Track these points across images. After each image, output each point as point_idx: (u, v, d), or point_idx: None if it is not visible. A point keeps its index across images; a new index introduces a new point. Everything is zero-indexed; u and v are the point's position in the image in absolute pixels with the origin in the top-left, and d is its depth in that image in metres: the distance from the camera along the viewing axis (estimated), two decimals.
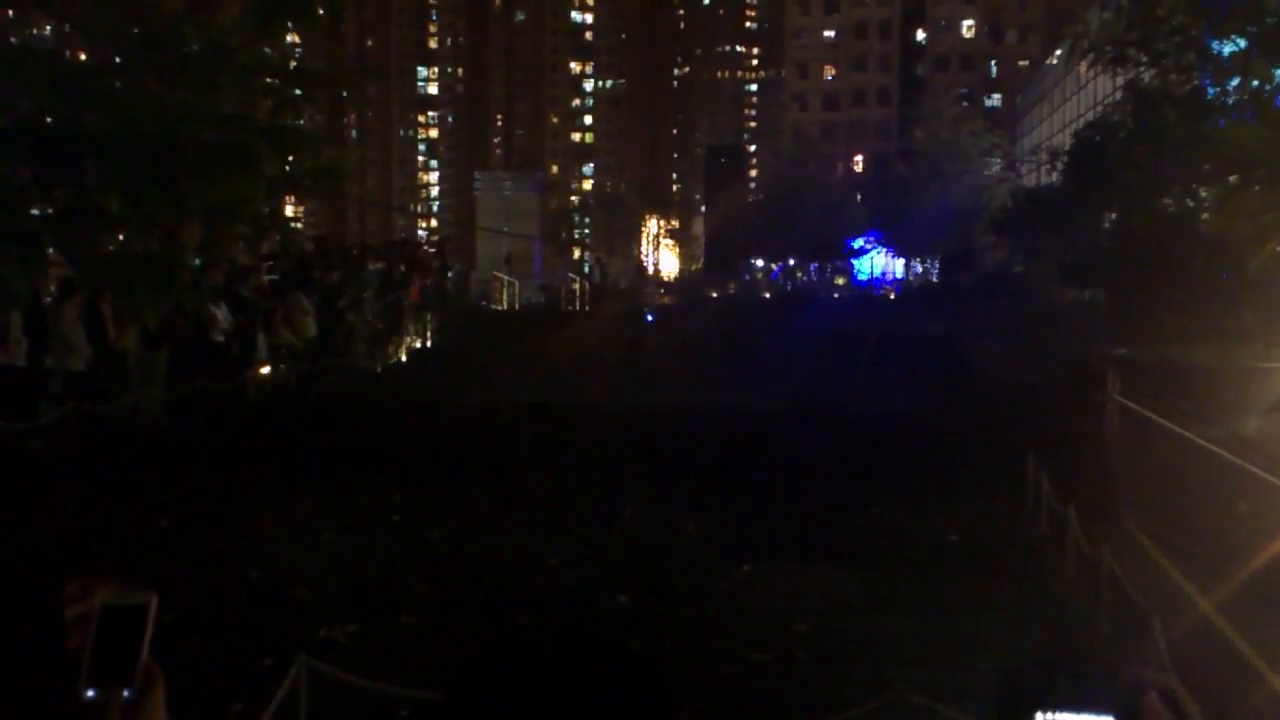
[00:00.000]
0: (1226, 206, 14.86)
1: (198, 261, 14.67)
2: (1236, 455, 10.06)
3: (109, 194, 4.74)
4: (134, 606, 1.47)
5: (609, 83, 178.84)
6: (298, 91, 6.74)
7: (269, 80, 6.43)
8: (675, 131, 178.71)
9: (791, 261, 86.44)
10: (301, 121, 7.24)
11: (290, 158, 5.59)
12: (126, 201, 4.75)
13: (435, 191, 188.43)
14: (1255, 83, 15.72)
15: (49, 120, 5.07)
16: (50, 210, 4.98)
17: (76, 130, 4.80)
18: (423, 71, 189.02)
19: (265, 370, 18.03)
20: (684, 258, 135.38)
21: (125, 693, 1.43)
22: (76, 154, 4.61)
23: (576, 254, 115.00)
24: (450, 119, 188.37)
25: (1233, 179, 14.46)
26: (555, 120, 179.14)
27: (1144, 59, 17.94)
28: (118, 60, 5.71)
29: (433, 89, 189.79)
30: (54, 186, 4.92)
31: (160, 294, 4.39)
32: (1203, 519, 10.80)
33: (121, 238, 5.35)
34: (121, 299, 4.79)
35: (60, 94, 4.78)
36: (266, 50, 6.48)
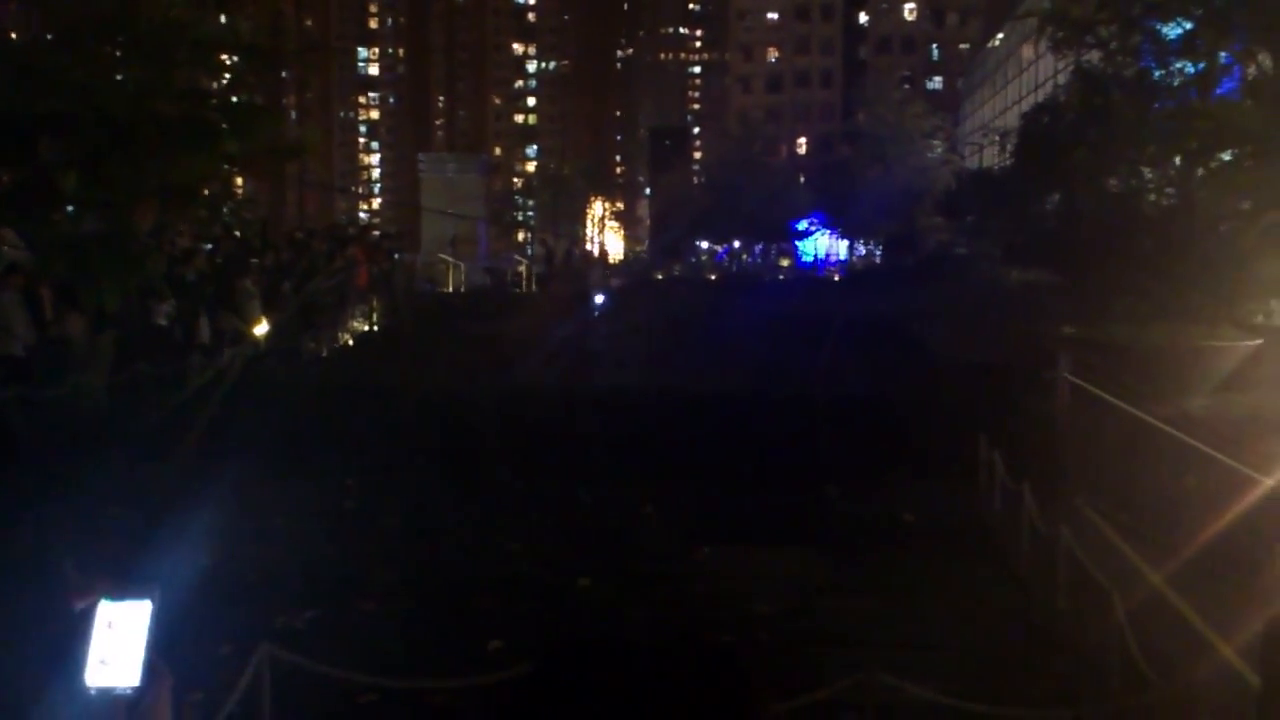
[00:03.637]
0: (1218, 183, 15.07)
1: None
2: (1185, 433, 10.19)
3: (65, 172, 4.60)
4: (134, 603, 1.43)
5: (552, 64, 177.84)
6: (248, 68, 6.61)
7: (224, 57, 6.29)
8: (619, 113, 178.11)
9: (736, 244, 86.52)
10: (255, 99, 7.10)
11: (248, 136, 5.46)
12: (84, 180, 4.61)
13: (376, 174, 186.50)
14: (1202, 65, 15.96)
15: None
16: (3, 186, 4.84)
17: (29, 107, 4.65)
18: (363, 52, 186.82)
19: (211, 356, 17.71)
20: (629, 240, 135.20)
21: (130, 688, 1.39)
22: (29, 131, 4.46)
23: (521, 236, 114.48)
24: (391, 100, 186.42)
25: (1199, 166, 14.71)
26: (498, 102, 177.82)
27: (1090, 40, 18.17)
28: (71, 35, 5.55)
29: (373, 70, 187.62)
30: (4, 165, 4.77)
31: (122, 275, 4.28)
32: (1152, 495, 10.96)
33: (75, 218, 5.20)
34: (81, 280, 4.65)
35: (12, 70, 4.63)
36: (222, 29, 6.34)
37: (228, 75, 6.76)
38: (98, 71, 4.80)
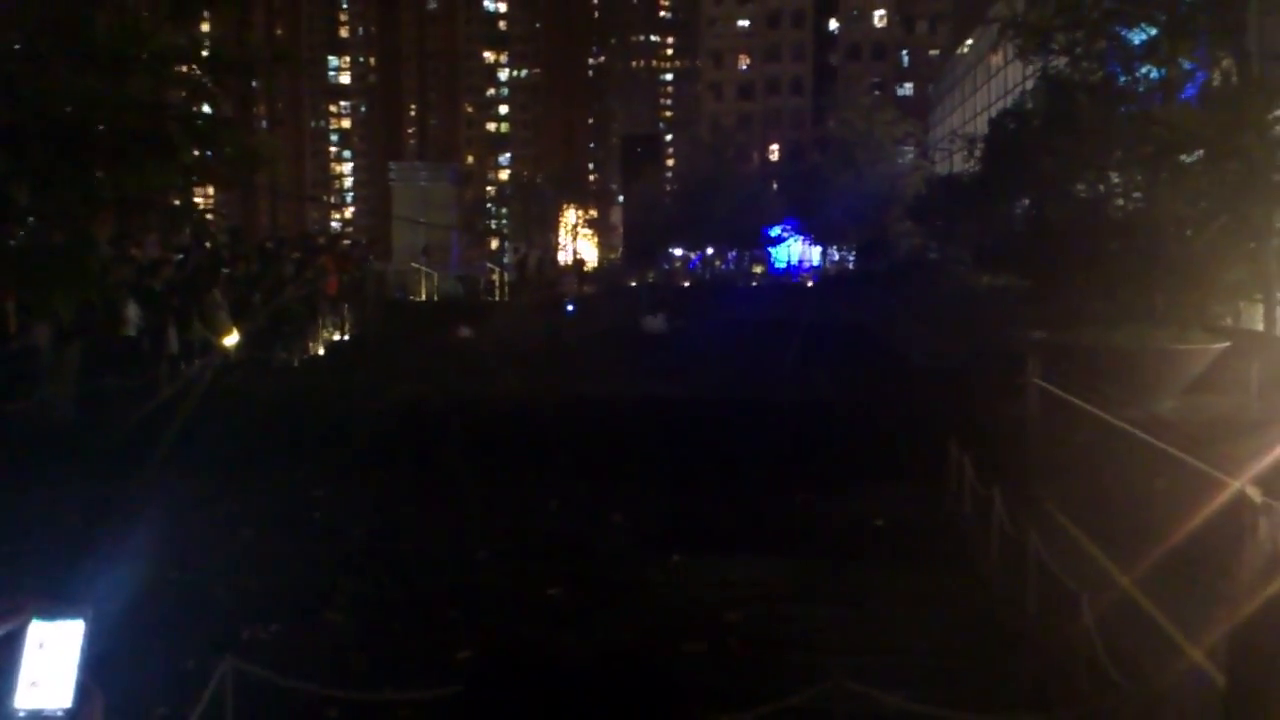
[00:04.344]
0: (1165, 189, 15.19)
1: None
2: (1153, 435, 10.22)
3: (17, 184, 4.53)
4: (67, 623, 1.39)
5: (524, 72, 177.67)
6: (210, 78, 6.54)
7: (184, 68, 6.22)
8: (591, 121, 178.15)
9: (709, 250, 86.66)
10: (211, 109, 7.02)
11: (208, 146, 5.39)
12: (36, 191, 4.55)
13: (349, 183, 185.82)
14: (1163, 70, 16.07)
15: None
16: None
17: None
18: (334, 61, 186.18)
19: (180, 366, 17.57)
20: (602, 247, 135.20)
21: (60, 710, 1.35)
22: None
23: (494, 245, 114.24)
24: (363, 109, 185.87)
25: (1161, 171, 14.76)
26: (470, 110, 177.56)
27: (1055, 47, 18.30)
28: (26, 46, 5.47)
29: (344, 78, 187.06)
30: None
31: (73, 287, 4.22)
32: (1121, 498, 10.99)
33: (33, 229, 5.13)
34: (32, 292, 4.59)
35: None
36: (181, 40, 6.27)
37: (191, 86, 6.68)
38: (49, 81, 4.74)
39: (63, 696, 1.39)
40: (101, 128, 4.50)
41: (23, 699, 1.39)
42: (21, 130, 4.47)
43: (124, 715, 6.34)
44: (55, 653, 1.41)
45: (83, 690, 1.40)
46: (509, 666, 7.08)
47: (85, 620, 1.44)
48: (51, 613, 1.43)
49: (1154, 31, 16.60)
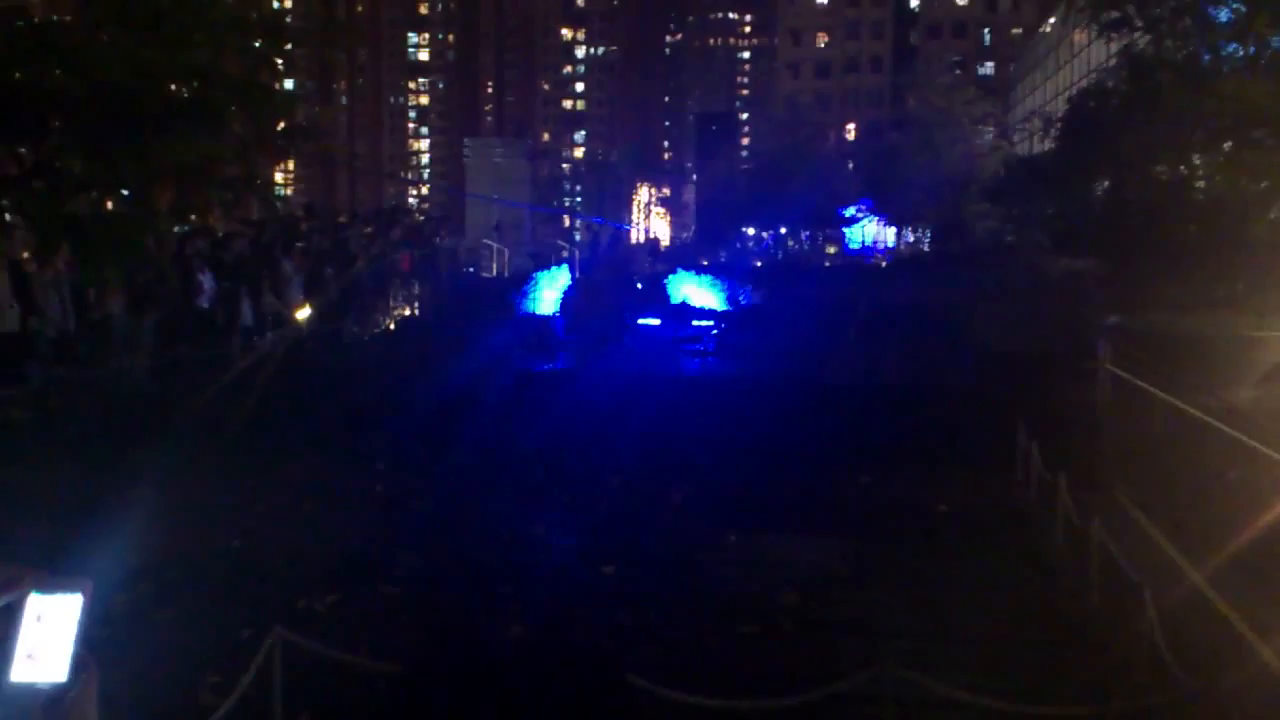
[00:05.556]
0: (1231, 165, 14.75)
1: (186, 228, 14.43)
2: (1229, 425, 9.95)
3: (71, 154, 4.59)
4: (65, 596, 1.38)
5: (601, 50, 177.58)
6: (277, 50, 6.55)
7: (249, 39, 6.25)
8: (667, 99, 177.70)
9: (783, 230, 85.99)
10: (290, 82, 7.04)
11: (258, 116, 5.41)
12: (90, 161, 4.60)
13: (426, 159, 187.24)
14: (1252, 50, 15.59)
15: (15, 77, 4.89)
16: (13, 172, 4.82)
17: (41, 88, 4.64)
18: (413, 38, 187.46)
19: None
20: (675, 226, 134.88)
21: (54, 682, 1.34)
22: (41, 112, 4.45)
23: (567, 222, 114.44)
24: (441, 85, 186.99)
25: (1227, 144, 14.30)
26: (547, 87, 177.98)
27: (1139, 24, 17.80)
28: (86, 14, 5.54)
29: (423, 55, 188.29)
30: (17, 147, 4.76)
31: (121, 255, 4.25)
32: (1194, 488, 10.73)
33: (94, 201, 5.19)
34: (81, 260, 4.65)
35: (26, 51, 4.61)
36: (254, 13, 6.30)
37: (253, 58, 6.71)
38: (106, 49, 4.78)
39: (57, 670, 1.38)
40: (150, 94, 4.53)
41: (18, 672, 1.38)
42: (77, 98, 4.50)
43: (179, 680, 6.44)
44: (53, 626, 1.39)
45: (77, 664, 1.38)
46: (558, 642, 7.07)
47: (83, 594, 1.42)
48: (50, 586, 1.41)
49: (1240, 8, 16.09)
